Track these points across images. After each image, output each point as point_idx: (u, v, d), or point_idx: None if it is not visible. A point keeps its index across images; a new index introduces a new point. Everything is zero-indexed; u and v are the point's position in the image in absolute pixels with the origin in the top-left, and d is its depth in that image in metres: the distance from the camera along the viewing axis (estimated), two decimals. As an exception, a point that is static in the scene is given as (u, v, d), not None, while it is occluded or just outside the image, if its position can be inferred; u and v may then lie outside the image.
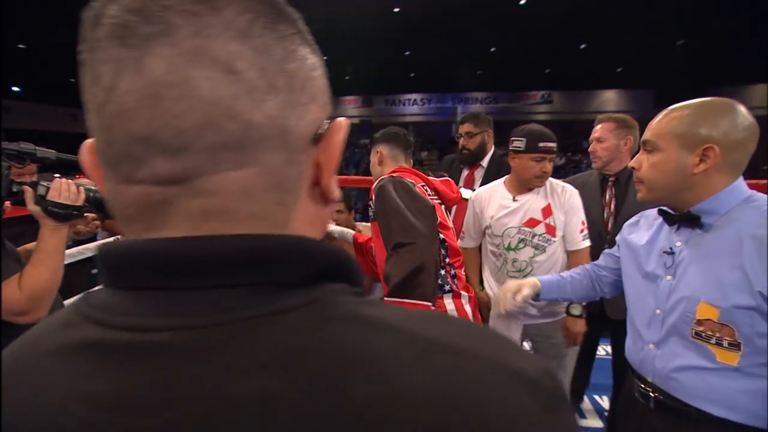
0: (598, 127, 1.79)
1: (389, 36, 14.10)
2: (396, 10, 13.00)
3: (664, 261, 0.89)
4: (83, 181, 1.21)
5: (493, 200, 1.64)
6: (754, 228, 0.76)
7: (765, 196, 0.83)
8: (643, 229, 0.99)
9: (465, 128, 2.17)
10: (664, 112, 0.89)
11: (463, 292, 1.40)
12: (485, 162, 2.19)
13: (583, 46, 14.52)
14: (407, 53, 15.86)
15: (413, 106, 17.86)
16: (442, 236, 1.36)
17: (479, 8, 11.94)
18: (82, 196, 1.04)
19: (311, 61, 0.29)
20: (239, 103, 0.24)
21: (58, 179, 1.02)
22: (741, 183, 0.83)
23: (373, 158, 1.55)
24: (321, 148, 0.29)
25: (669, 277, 0.88)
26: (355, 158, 16.58)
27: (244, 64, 0.24)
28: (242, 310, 0.23)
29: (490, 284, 1.69)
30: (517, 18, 12.64)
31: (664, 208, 0.91)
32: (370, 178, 2.87)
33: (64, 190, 1.00)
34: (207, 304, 0.23)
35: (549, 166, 1.53)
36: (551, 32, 13.30)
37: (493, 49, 15.18)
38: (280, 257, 0.25)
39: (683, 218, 0.86)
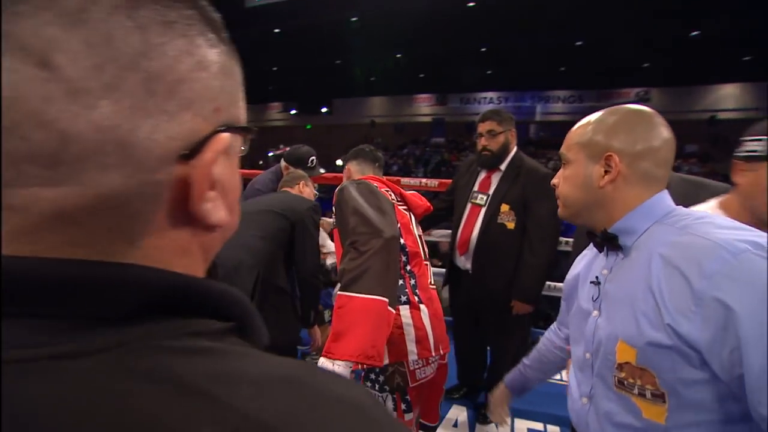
0: None
1: (464, 31, 13.60)
2: (471, 4, 12.47)
3: (592, 293, 0.76)
4: None
5: None
6: (662, 246, 0.63)
7: (689, 211, 0.70)
8: (582, 259, 0.87)
9: (487, 126, 1.89)
10: (577, 123, 0.80)
11: (423, 306, 1.24)
12: (504, 165, 1.90)
13: (695, 33, 12.51)
14: (483, 49, 15.18)
15: (489, 105, 17.04)
16: (402, 242, 1.27)
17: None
18: None
19: (198, 59, 0.24)
20: (53, 108, 0.19)
21: None
22: (661, 198, 0.71)
23: (344, 176, 1.57)
24: (193, 165, 0.24)
25: (595, 312, 0.75)
26: (424, 157, 16.41)
27: (65, 58, 0.19)
28: (24, 349, 0.19)
29: None
30: (609, 5, 11.30)
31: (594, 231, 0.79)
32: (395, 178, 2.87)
33: None
34: None
35: None
36: (653, 20, 11.70)
37: (579, 43, 13.82)
38: (89, 287, 0.21)
39: (603, 239, 0.74)
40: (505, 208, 1.84)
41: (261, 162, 12.89)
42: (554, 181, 0.82)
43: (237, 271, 1.54)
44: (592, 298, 0.76)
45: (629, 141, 0.69)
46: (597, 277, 0.75)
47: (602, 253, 0.77)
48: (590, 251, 0.86)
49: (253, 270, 1.56)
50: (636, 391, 0.64)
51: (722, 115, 13.71)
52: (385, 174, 1.65)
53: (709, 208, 1.07)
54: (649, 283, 0.63)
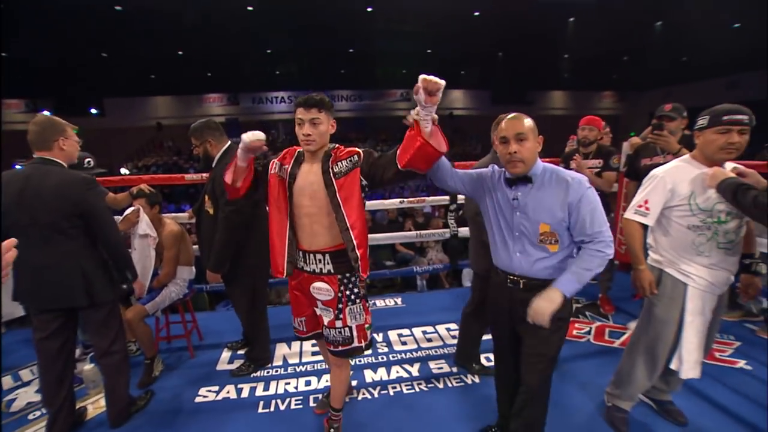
0: None
1: (246, 33, 13.96)
2: (250, 8, 12.98)
3: (513, 205, 1.44)
4: None
5: (688, 177, 1.62)
6: (580, 187, 1.34)
7: (551, 166, 1.43)
8: (499, 187, 1.49)
9: (192, 140, 2.24)
10: (515, 118, 1.39)
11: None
12: (215, 164, 2.22)
13: (429, 51, 16.37)
14: (269, 51, 15.90)
15: (281, 104, 17.94)
16: None
17: (330, 9, 12.64)
18: None
19: None
20: None
21: None
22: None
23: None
24: None
25: (518, 213, 1.43)
26: (224, 158, 16.00)
27: None
28: None
29: (681, 260, 1.67)
30: (367, 21, 13.67)
31: (509, 175, 1.43)
32: (175, 176, 3.24)
33: None
34: None
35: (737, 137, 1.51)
36: (401, 36, 14.71)
37: (351, 50, 16.13)
38: None
39: (522, 180, 1.41)
40: (206, 198, 2.19)
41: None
42: (514, 149, 1.34)
43: (62, 279, 1.69)
44: (512, 207, 1.42)
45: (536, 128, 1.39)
46: (515, 197, 1.41)
47: (508, 187, 1.43)
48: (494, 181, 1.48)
49: (75, 271, 1.70)
50: (548, 242, 1.38)
51: (456, 112, 18.54)
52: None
53: (684, 158, 1.68)
54: (564, 201, 1.33)
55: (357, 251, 1.53)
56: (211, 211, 2.15)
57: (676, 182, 1.61)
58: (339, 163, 1.54)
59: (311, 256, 1.60)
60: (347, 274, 1.61)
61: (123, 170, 15.40)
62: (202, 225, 2.25)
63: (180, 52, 15.51)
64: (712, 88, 14.87)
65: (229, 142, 2.28)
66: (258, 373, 2.39)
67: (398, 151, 1.41)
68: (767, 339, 2.60)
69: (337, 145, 1.61)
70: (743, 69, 14.51)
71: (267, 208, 2.13)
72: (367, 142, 17.38)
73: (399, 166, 1.41)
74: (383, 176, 1.48)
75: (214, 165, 2.20)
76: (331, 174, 1.53)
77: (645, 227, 1.72)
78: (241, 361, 2.46)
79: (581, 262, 1.34)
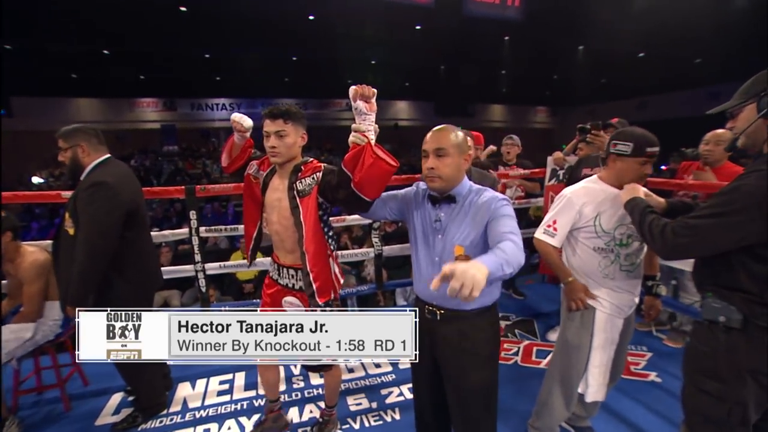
0: None
1: (180, 35, 13.16)
2: (183, 9, 12.27)
3: (435, 227, 1.33)
4: None
5: (595, 198, 1.58)
6: (497, 203, 1.26)
7: (478, 186, 1.34)
8: (422, 206, 1.39)
9: (58, 144, 1.94)
10: (439, 131, 1.29)
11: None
12: (83, 176, 1.90)
13: (373, 62, 16.48)
14: (207, 56, 15.12)
15: (222, 111, 17.10)
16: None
17: (270, 15, 12.29)
18: None
19: None
20: None
21: None
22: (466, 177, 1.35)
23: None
24: None
25: (440, 236, 1.32)
26: (157, 167, 14.86)
27: None
28: None
29: (589, 283, 1.62)
30: (310, 29, 13.47)
31: (433, 193, 1.34)
32: (50, 192, 2.75)
33: None
34: None
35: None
36: (346, 45, 14.65)
37: (294, 58, 15.80)
38: None
39: (446, 199, 1.32)
40: (67, 216, 1.88)
41: None
42: (431, 165, 1.26)
43: None
44: (436, 229, 1.31)
45: (468, 143, 1.31)
46: (438, 218, 1.31)
47: (432, 206, 1.33)
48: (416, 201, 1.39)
49: None
50: None
51: (400, 123, 18.74)
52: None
53: (592, 179, 1.64)
54: (480, 221, 1.24)
55: (310, 274, 1.49)
56: (71, 232, 1.83)
57: (584, 203, 1.58)
58: (303, 181, 1.52)
59: (284, 270, 1.63)
60: None
61: (35, 179, 13.78)
62: (60, 248, 1.90)
63: (106, 51, 14.26)
64: (625, 108, 16.19)
65: (109, 155, 1.95)
66: (148, 424, 2.05)
67: (345, 166, 1.34)
68: (674, 348, 2.71)
69: (310, 159, 1.58)
70: (651, 92, 16.14)
71: (142, 232, 1.93)
72: (312, 151, 17.04)
73: (353, 183, 1.33)
74: (335, 196, 1.45)
75: (83, 177, 1.88)
76: (295, 192, 1.51)
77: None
78: (130, 410, 2.11)
79: (497, 248, 1.10)
